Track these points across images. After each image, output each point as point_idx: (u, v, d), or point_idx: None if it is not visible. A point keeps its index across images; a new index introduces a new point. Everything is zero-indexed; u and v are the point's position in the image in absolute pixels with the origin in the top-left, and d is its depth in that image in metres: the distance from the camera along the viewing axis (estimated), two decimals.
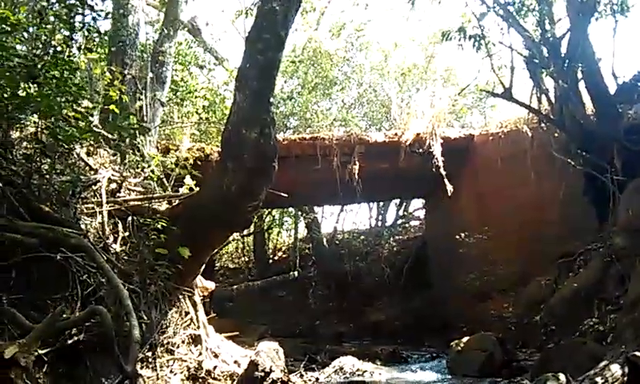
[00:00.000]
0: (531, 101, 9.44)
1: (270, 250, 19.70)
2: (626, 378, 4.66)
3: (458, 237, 11.01)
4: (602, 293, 7.17)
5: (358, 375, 7.82)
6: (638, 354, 4.85)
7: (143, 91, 8.76)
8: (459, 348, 8.03)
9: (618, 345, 5.63)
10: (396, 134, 11.69)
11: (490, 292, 10.25)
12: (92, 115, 6.48)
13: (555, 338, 7.10)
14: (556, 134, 9.34)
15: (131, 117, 7.25)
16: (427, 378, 7.70)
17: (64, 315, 3.99)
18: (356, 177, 11.11)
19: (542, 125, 9.69)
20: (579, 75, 8.68)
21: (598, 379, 4.51)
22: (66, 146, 5.90)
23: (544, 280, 8.80)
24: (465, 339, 8.08)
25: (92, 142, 6.66)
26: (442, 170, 10.85)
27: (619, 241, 7.33)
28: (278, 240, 20.87)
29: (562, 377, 5.34)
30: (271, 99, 6.30)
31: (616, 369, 4.69)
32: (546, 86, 9.16)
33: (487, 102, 15.75)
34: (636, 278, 6.67)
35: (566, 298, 7.74)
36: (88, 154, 6.85)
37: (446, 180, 10.87)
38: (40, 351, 3.75)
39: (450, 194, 11.29)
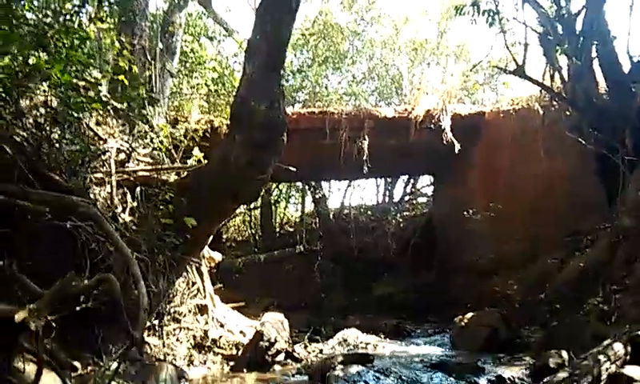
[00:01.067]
0: (544, 78, 9.33)
1: (277, 224, 19.76)
2: (628, 357, 4.68)
3: (465, 213, 11.00)
4: (609, 273, 7.15)
5: (362, 347, 7.92)
6: None
7: (152, 62, 8.72)
8: (463, 323, 8.07)
9: (622, 324, 5.66)
10: (406, 110, 11.60)
11: (496, 269, 10.26)
12: (101, 85, 6.47)
13: (559, 317, 7.12)
14: (568, 113, 9.25)
15: (140, 87, 7.25)
16: (430, 351, 7.76)
17: (73, 283, 4.03)
18: (365, 152, 11.07)
19: (554, 103, 9.59)
20: (593, 53, 8.55)
21: (601, 357, 4.52)
22: (76, 115, 5.91)
23: (551, 259, 8.80)
24: (469, 315, 8.12)
25: (101, 112, 6.67)
26: (455, 143, 10.75)
27: (627, 221, 7.30)
28: (284, 214, 20.93)
29: (564, 354, 5.40)
30: (281, 72, 6.27)
31: (619, 347, 4.72)
32: (559, 63, 9.02)
33: (499, 78, 15.56)
34: None
35: (572, 277, 7.73)
36: (97, 123, 6.86)
37: (457, 145, 10.76)
38: (49, 317, 3.81)
39: (458, 171, 11.26)
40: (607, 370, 4.45)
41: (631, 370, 4.34)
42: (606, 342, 4.87)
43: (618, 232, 7.39)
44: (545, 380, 4.49)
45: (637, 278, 6.48)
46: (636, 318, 5.68)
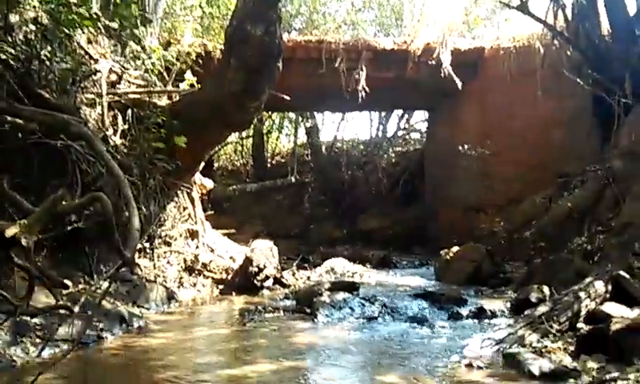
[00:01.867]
0: (547, 16, 9.12)
1: (269, 154, 19.70)
2: (608, 295, 4.82)
3: (460, 149, 10.99)
4: (595, 214, 7.26)
5: (349, 276, 8.10)
6: (622, 272, 5.00)
7: None
8: (448, 257, 8.22)
9: (604, 264, 5.79)
10: (405, 42, 11.34)
11: (485, 207, 10.38)
12: (92, 1, 6.25)
13: (543, 254, 7.27)
14: (568, 53, 9.11)
15: (133, 6, 7.01)
16: (415, 282, 7.95)
17: (64, 201, 4.03)
18: (361, 84, 10.89)
19: (555, 42, 9.42)
20: None
21: (582, 294, 4.65)
22: (67, 32, 5.74)
23: (539, 198, 8.89)
24: (455, 249, 8.25)
25: (92, 30, 6.47)
26: (456, 79, 10.58)
27: (618, 164, 7.36)
28: (277, 145, 20.83)
29: (545, 289, 5.55)
30: None
31: (600, 285, 4.84)
32: (563, 1, 8.82)
33: (501, 14, 15.18)
34: (631, 201, 6.75)
35: (559, 216, 7.85)
36: (89, 42, 6.68)
37: (456, 78, 10.61)
38: (40, 236, 3.82)
39: (454, 107, 11.14)
40: (587, 306, 4.58)
41: (610, 307, 4.46)
42: (587, 280, 5.00)
43: (608, 174, 7.45)
44: (525, 313, 4.62)
45: (622, 220, 6.59)
46: (619, 258, 5.81)
